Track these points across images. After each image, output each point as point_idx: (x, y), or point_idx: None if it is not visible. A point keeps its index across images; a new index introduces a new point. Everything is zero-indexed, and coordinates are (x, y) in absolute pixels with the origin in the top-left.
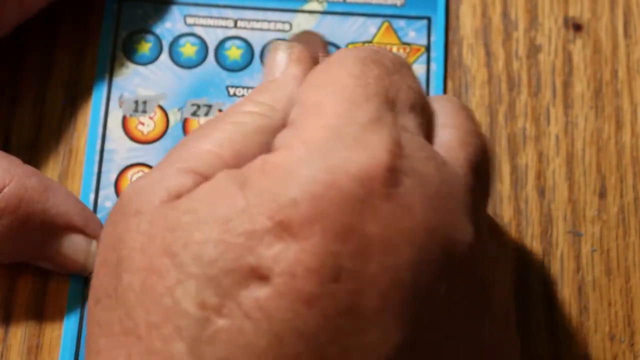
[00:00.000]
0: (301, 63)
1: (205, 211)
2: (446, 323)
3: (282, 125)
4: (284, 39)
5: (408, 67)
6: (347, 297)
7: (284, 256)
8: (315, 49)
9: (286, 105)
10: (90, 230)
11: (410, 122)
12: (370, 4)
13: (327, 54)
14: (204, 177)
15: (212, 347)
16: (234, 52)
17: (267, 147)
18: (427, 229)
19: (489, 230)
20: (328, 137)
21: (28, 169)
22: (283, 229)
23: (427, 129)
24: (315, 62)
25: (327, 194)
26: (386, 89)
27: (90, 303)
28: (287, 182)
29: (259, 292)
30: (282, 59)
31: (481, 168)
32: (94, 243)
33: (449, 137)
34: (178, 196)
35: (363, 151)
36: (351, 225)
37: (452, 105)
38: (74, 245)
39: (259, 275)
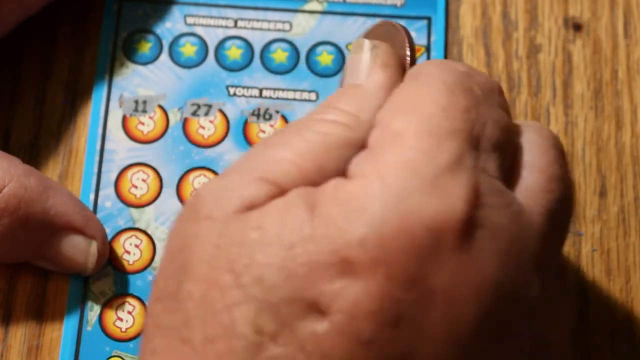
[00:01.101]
0: (387, 68)
1: (272, 231)
2: None
3: (366, 139)
4: (366, 37)
5: (498, 91)
6: (403, 344)
7: (345, 294)
8: (399, 44)
9: (372, 118)
10: (90, 230)
11: (491, 163)
12: (370, 4)
13: (413, 51)
14: (280, 189)
15: None
16: (234, 52)
17: (348, 162)
18: (493, 285)
19: (556, 273)
20: (405, 175)
21: (28, 168)
22: (347, 266)
23: (510, 169)
24: (401, 65)
25: (396, 238)
26: (472, 124)
27: (152, 298)
28: (357, 218)
29: (316, 326)
30: (366, 61)
31: (560, 215)
32: (94, 243)
33: (532, 181)
34: (251, 207)
35: (439, 199)
36: (417, 273)
37: (542, 142)
38: (74, 245)
39: (318, 309)
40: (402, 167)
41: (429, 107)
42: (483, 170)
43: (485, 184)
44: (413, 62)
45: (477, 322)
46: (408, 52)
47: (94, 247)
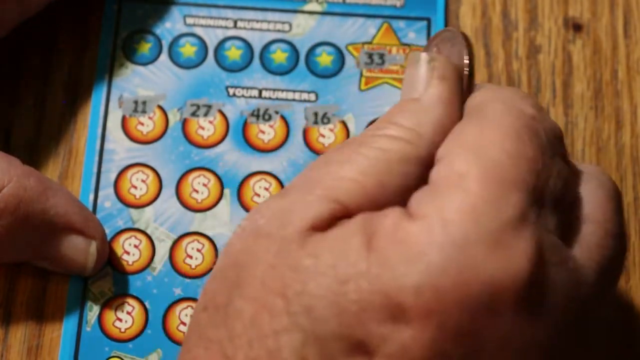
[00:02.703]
0: (446, 81)
1: (327, 262)
2: None
3: (427, 156)
4: (422, 50)
5: (561, 139)
6: None
7: (394, 339)
8: (457, 53)
9: (431, 133)
10: (89, 230)
11: (552, 220)
12: (370, 5)
13: (472, 61)
14: (344, 207)
15: None
16: (234, 53)
17: (411, 179)
18: (544, 350)
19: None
20: (468, 224)
21: (27, 169)
22: (399, 311)
23: (570, 226)
24: (459, 76)
25: (452, 291)
26: (537, 176)
27: (198, 306)
28: (414, 264)
29: None
30: (423, 75)
31: (611, 272)
32: (94, 243)
33: (589, 235)
34: (313, 227)
35: (501, 257)
36: (469, 329)
37: (602, 194)
38: (73, 245)
39: (365, 350)
40: (465, 215)
41: (496, 152)
42: (545, 227)
43: (546, 242)
44: (472, 72)
45: None
46: (467, 62)
47: (93, 247)
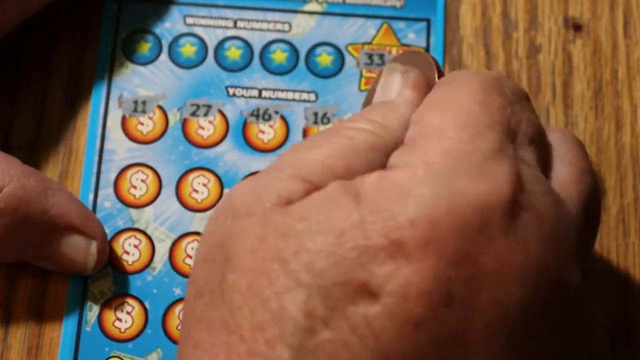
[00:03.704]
0: (417, 89)
1: (319, 220)
2: None
3: (393, 146)
4: (397, 62)
5: (527, 98)
6: (455, 325)
7: (396, 276)
8: (427, 71)
9: (398, 127)
10: (89, 230)
11: (529, 155)
12: (369, 5)
13: (441, 74)
14: (315, 186)
15: (316, 358)
16: (234, 53)
17: (377, 166)
18: (540, 267)
19: (587, 270)
20: (450, 161)
21: (27, 169)
22: (397, 248)
23: (545, 163)
24: (429, 88)
25: (445, 219)
26: (508, 119)
27: (188, 296)
28: (405, 202)
29: (367, 309)
30: (397, 82)
31: (590, 207)
32: (94, 243)
33: (564, 173)
34: (289, 201)
35: (486, 181)
36: (466, 253)
37: (568, 140)
38: (74, 245)
39: (369, 292)
40: (446, 155)
41: (467, 104)
42: (523, 160)
43: (526, 172)
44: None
45: (525, 303)
46: (436, 74)
47: (93, 247)
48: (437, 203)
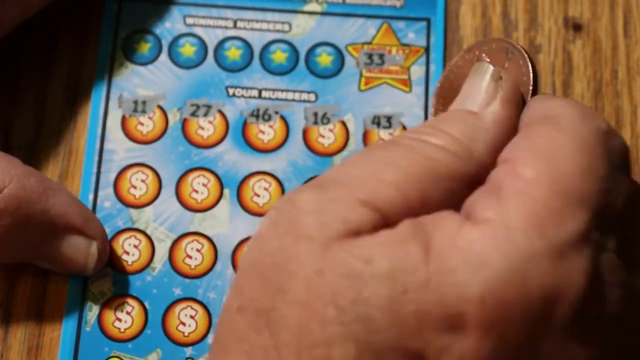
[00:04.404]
0: (510, 104)
1: (383, 268)
2: None
3: (477, 176)
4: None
5: (628, 156)
6: None
7: (453, 350)
8: (517, 69)
9: (484, 153)
10: (90, 231)
11: (612, 239)
12: (369, 5)
13: (537, 83)
14: (385, 218)
15: None
16: (234, 53)
17: (456, 197)
18: None
19: None
20: (533, 233)
21: (28, 169)
22: (459, 321)
23: (630, 243)
24: (522, 100)
25: (514, 302)
26: (605, 195)
27: (230, 304)
28: (478, 272)
29: None
30: (489, 91)
31: None
32: (94, 244)
33: None
34: (356, 233)
35: (563, 270)
36: (528, 341)
37: None
38: (74, 246)
39: None
40: (530, 224)
41: (568, 164)
42: (604, 245)
43: (605, 262)
44: (535, 94)
45: None
46: (531, 86)
47: (94, 247)
48: (510, 281)
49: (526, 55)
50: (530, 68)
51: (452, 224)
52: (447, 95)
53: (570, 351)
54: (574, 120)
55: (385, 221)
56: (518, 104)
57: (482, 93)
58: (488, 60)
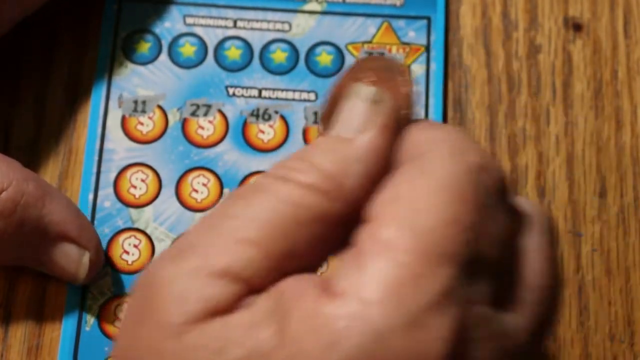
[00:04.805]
0: (387, 130)
1: (236, 355)
2: None
3: (347, 213)
4: (365, 85)
5: (506, 186)
6: None
7: None
8: (400, 97)
9: (357, 188)
10: (83, 240)
11: (483, 288)
12: (369, 4)
13: (413, 106)
14: (248, 285)
15: None
16: (234, 52)
17: (328, 240)
18: None
19: None
20: (389, 308)
21: (27, 173)
22: None
23: (503, 292)
24: (399, 124)
25: None
26: (474, 244)
27: (115, 354)
28: (331, 354)
29: None
30: (365, 115)
31: (547, 323)
32: (87, 254)
33: (528, 296)
34: (214, 312)
35: (420, 340)
36: None
37: (543, 242)
38: (66, 254)
39: None
40: (387, 295)
41: (431, 218)
42: (473, 299)
43: (473, 317)
44: (409, 117)
45: None
46: (408, 110)
47: (86, 258)
48: (370, 356)
49: (406, 76)
50: (410, 93)
51: (310, 299)
52: (331, 118)
53: None
54: (442, 159)
55: (250, 288)
56: (395, 130)
57: (357, 118)
58: (374, 79)
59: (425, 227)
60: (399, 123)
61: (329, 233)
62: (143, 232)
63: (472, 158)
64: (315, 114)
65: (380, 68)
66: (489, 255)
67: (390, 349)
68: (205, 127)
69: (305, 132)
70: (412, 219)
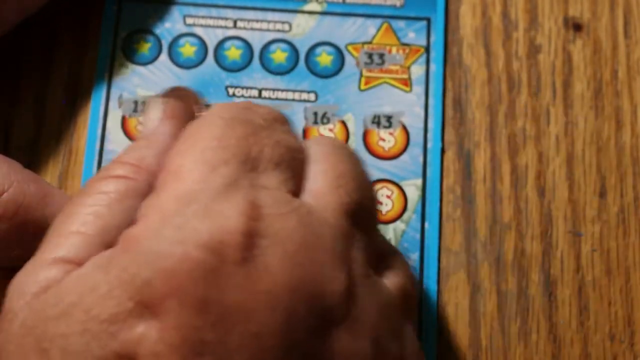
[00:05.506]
0: (174, 120)
1: (70, 302)
2: None
3: (149, 186)
4: (158, 96)
5: (282, 120)
6: None
7: (147, 336)
8: (190, 104)
9: (154, 164)
10: None
11: (273, 179)
12: (369, 5)
13: (203, 107)
14: (76, 264)
15: None
16: (234, 52)
17: (134, 210)
18: (288, 287)
19: (377, 258)
20: (181, 205)
21: (28, 174)
22: (144, 308)
23: (297, 181)
24: (191, 117)
25: (179, 267)
26: (248, 148)
27: None
28: (141, 261)
29: None
30: (155, 116)
31: (359, 207)
32: None
33: (319, 183)
34: (48, 288)
35: (214, 219)
36: (207, 296)
37: (325, 148)
38: None
39: (128, 358)
40: (177, 200)
41: (206, 141)
42: (263, 186)
43: (265, 198)
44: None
45: (282, 329)
46: (199, 106)
47: None
48: (168, 254)
49: (194, 94)
50: (198, 100)
51: (123, 235)
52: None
53: (253, 289)
54: (212, 110)
55: (78, 265)
56: (185, 119)
57: (152, 121)
58: (163, 94)
59: (200, 147)
60: (190, 115)
61: (135, 204)
62: None
63: (238, 104)
64: (315, 114)
65: (167, 91)
66: (271, 156)
67: (190, 237)
68: None
69: (305, 132)
70: (191, 147)
